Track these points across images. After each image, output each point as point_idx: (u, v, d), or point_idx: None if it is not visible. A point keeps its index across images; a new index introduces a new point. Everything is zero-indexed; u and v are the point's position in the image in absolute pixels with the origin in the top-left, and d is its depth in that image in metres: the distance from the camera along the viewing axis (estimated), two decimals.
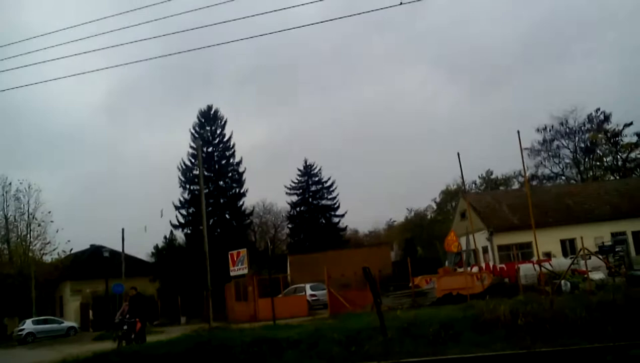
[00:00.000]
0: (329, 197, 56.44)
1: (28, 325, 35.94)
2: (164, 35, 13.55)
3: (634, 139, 52.22)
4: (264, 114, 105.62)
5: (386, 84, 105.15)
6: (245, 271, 26.44)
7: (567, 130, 55.10)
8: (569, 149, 55.94)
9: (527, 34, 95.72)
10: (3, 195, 46.80)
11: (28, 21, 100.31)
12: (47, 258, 46.86)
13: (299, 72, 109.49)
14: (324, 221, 55.63)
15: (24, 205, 46.94)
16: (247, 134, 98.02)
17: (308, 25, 11.54)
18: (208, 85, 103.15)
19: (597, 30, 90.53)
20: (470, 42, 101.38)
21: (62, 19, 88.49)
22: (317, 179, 56.60)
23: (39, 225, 46.74)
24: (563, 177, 56.63)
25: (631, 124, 51.49)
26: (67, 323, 38.60)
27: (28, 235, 47.13)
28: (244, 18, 12.63)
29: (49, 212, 47.15)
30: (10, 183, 46.97)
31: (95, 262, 43.01)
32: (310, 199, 56.20)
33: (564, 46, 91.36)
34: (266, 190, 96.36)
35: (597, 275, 21.85)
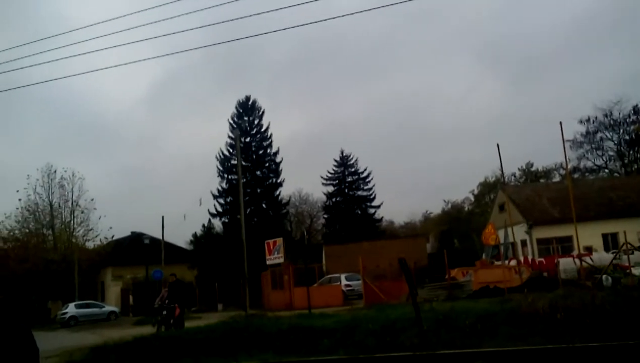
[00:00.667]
0: (365, 188, 56.37)
1: (71, 309, 37.09)
2: (203, 26, 13.73)
3: None
4: (301, 105, 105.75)
5: (426, 75, 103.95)
6: (281, 260, 26.68)
7: (612, 122, 53.44)
8: (612, 141, 54.33)
9: (572, 24, 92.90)
10: (48, 182, 48.35)
11: (71, 15, 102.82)
12: (90, 245, 48.43)
13: (338, 64, 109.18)
14: (359, 212, 55.57)
15: (68, 193, 48.54)
16: (285, 124, 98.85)
17: (347, 15, 11.49)
18: (247, 77, 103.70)
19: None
20: (513, 32, 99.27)
21: (105, 10, 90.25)
22: (353, 169, 56.54)
23: (82, 212, 48.33)
24: (606, 170, 55.09)
25: None
26: (108, 308, 39.67)
27: (72, 222, 48.69)
28: (285, 8, 12.68)
29: (92, 200, 48.68)
30: (55, 171, 48.52)
31: (136, 248, 44.08)
32: (346, 190, 56.20)
33: (610, 35, 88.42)
34: (303, 180, 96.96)
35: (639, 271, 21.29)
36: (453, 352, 9.88)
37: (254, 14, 12.61)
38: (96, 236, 48.28)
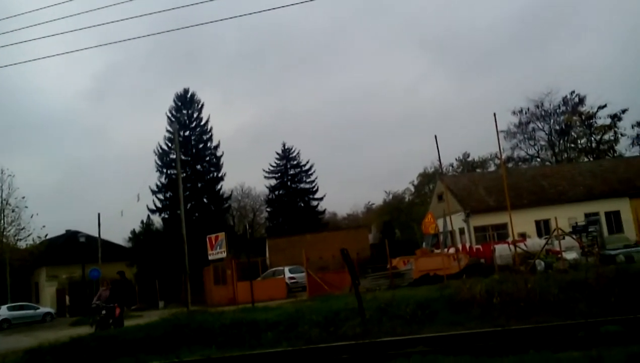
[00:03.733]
0: (308, 180, 56.45)
1: (3, 312, 35.46)
2: (148, 13, 13.28)
3: (608, 121, 53.13)
4: (245, 98, 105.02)
5: (372, 68, 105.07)
6: (224, 255, 26.38)
7: (543, 112, 55.72)
8: (544, 131, 56.65)
9: (513, 18, 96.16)
10: None
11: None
12: (22, 244, 46.15)
13: (283, 56, 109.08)
14: (302, 204, 55.64)
15: None
16: (227, 118, 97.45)
17: (290, 5, 11.39)
18: (190, 69, 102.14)
19: (576, 14, 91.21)
20: (453, 26, 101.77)
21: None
22: (295, 162, 56.50)
23: (13, 211, 45.93)
24: (538, 159, 57.38)
25: (605, 106, 52.36)
26: (43, 309, 38.19)
27: (2, 221, 46.32)
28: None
29: (23, 198, 46.40)
30: None
31: (72, 247, 42.60)
32: (288, 183, 56.13)
33: (544, 31, 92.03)
34: (245, 174, 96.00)
35: (570, 255, 22.32)
36: (394, 339, 10.04)
37: (200, 2, 12.31)
38: (28, 235, 46.04)
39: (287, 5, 11.58)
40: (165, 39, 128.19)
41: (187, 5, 12.65)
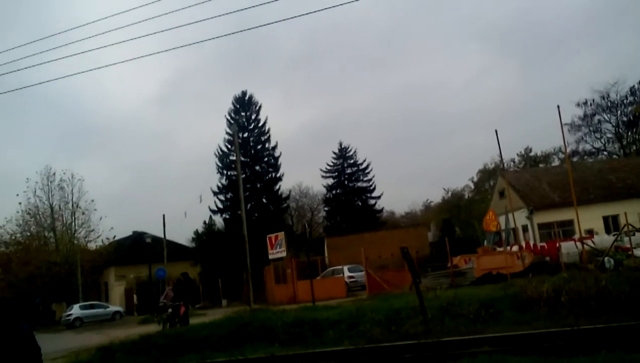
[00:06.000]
0: (365, 179, 56.26)
1: (75, 310, 37.15)
2: (196, 21, 13.66)
3: None
4: (302, 99, 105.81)
5: (429, 63, 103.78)
6: (284, 254, 26.69)
7: (609, 103, 53.27)
8: (610, 123, 54.16)
9: (576, 8, 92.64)
10: (48, 185, 48.28)
11: (76, 16, 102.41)
12: (92, 246, 48.39)
13: (339, 56, 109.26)
14: (360, 203, 55.53)
15: (67, 194, 48.46)
16: (284, 118, 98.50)
17: (349, 2, 11.42)
18: (250, 71, 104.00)
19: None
20: (515, 17, 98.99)
21: (105, 11, 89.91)
22: (352, 161, 56.43)
23: (83, 214, 48.30)
24: (605, 152, 54.98)
25: None
26: (112, 308, 39.76)
27: (73, 224, 48.64)
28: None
29: (92, 201, 48.64)
30: (54, 174, 48.46)
31: (138, 248, 44.14)
32: (345, 182, 56.14)
33: (609, 20, 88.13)
34: (302, 174, 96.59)
35: None
36: (458, 339, 9.90)
37: (259, 4, 12.51)
38: (98, 237, 48.30)
39: (345, 3, 11.58)
40: (228, 44, 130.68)
41: (247, 8, 12.87)
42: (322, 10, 12.31)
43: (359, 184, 56.15)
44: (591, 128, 54.58)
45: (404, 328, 11.39)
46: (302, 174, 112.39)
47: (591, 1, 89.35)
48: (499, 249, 27.05)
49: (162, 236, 39.90)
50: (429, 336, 10.36)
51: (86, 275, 44.27)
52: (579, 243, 22.37)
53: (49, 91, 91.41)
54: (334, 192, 56.77)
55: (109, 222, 68.33)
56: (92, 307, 38.71)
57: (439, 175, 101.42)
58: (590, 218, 29.06)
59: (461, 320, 11.53)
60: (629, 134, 54.35)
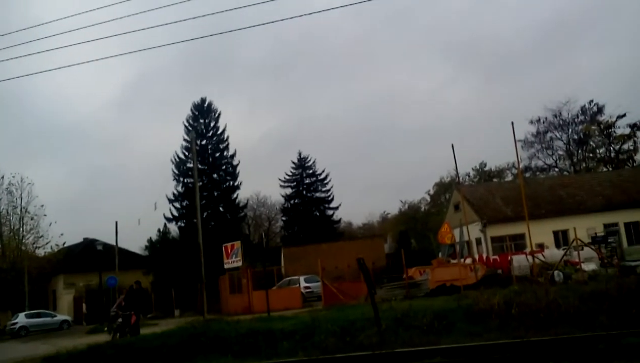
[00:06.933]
0: (323, 189, 56.41)
1: (21, 319, 35.85)
2: (176, 21, 13.47)
3: (627, 130, 52.42)
4: (269, 107, 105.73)
5: (391, 77, 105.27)
6: (240, 263, 26.46)
7: (561, 122, 55.23)
8: (562, 140, 56.13)
9: (536, 27, 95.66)
10: None
11: (38, 15, 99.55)
12: (40, 252, 46.75)
13: (306, 65, 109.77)
14: (317, 214, 55.60)
15: (16, 199, 46.70)
16: (252, 127, 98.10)
17: (310, 13, 11.46)
18: (216, 78, 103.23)
19: (597, 24, 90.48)
20: (476, 34, 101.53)
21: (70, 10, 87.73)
22: (311, 171, 56.54)
23: (32, 219, 46.57)
24: (556, 169, 56.81)
25: (624, 115, 51.61)
26: (60, 317, 38.55)
27: (21, 229, 46.87)
28: (251, 5, 12.56)
29: (42, 206, 47.00)
30: (2, 177, 46.70)
31: (89, 255, 42.95)
32: (304, 192, 56.16)
33: (565, 40, 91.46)
34: (261, 183, 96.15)
35: (589, 266, 21.99)
36: (411, 350, 9.96)
37: (226, 10, 12.44)
38: (47, 243, 46.66)
39: (311, 13, 11.63)
40: (193, 49, 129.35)
41: (214, 13, 12.77)
42: (289, 19, 12.32)
43: (317, 194, 56.27)
44: (543, 145, 56.42)
45: (359, 339, 11.39)
46: (262, 183, 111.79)
47: (548, 22, 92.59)
48: (453, 261, 27.46)
49: (114, 243, 38.99)
50: (383, 347, 10.38)
51: (33, 282, 42.73)
52: (529, 257, 22.88)
53: (1, 91, 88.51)
54: (292, 201, 56.70)
55: (60, 228, 66.16)
56: (38, 315, 37.42)
57: (397, 187, 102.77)
58: (541, 232, 29.82)
59: (415, 331, 11.61)
60: (579, 151, 56.33)
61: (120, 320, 18.04)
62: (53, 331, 34.73)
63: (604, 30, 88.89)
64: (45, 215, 46.81)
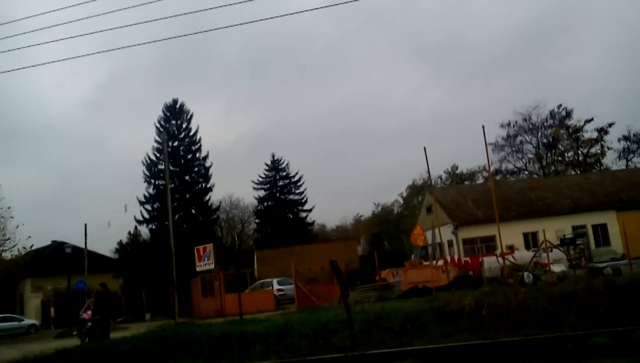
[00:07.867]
0: (297, 191, 56.40)
1: None
2: (151, 20, 13.30)
3: (594, 134, 53.67)
4: (244, 109, 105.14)
5: (365, 80, 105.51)
6: (212, 266, 26.23)
7: (530, 125, 56.24)
8: (531, 144, 57.15)
9: (508, 32, 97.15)
10: None
11: (7, 13, 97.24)
12: (7, 255, 45.53)
13: (281, 68, 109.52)
14: (291, 216, 55.54)
15: None
16: (222, 128, 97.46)
17: (283, 15, 11.45)
18: (190, 79, 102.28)
19: (568, 30, 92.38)
20: (449, 39, 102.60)
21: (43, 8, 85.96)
22: (284, 173, 56.46)
23: None
24: (526, 172, 57.77)
25: (592, 120, 52.96)
26: (27, 321, 37.76)
27: None
28: (227, 6, 12.47)
29: (9, 208, 45.84)
30: None
31: (57, 258, 42.09)
32: (277, 194, 56.03)
33: (535, 46, 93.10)
34: (235, 185, 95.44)
35: (558, 268, 22.36)
36: (384, 352, 9.99)
37: (202, 9, 12.33)
38: (14, 246, 45.38)
39: (286, 15, 11.60)
40: (167, 49, 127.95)
41: (189, 13, 12.64)
42: (265, 19, 12.28)
43: (291, 197, 56.21)
44: (513, 148, 57.37)
45: (332, 342, 11.38)
46: (235, 185, 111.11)
47: (521, 27, 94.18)
48: (425, 263, 27.65)
49: (83, 246, 38.30)
50: (356, 349, 10.40)
51: None
52: (500, 259, 23.19)
53: None
54: (265, 204, 56.51)
55: (27, 230, 64.31)
56: (5, 319, 36.58)
57: (371, 189, 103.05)
58: (511, 234, 30.19)
59: (387, 333, 11.64)
60: (549, 154, 57.40)
61: (89, 324, 17.74)
62: (20, 335, 33.97)
63: (574, 37, 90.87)
64: (12, 217, 45.74)
